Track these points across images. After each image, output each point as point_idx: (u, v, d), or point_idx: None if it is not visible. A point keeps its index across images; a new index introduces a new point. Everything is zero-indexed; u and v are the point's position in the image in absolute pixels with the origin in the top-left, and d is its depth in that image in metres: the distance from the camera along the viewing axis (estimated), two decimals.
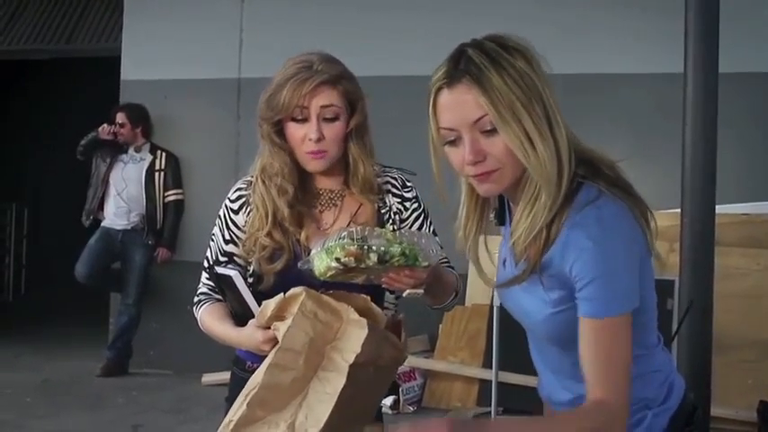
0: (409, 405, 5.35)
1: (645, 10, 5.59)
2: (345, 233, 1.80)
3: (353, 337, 1.79)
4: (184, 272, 6.10)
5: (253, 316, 1.94)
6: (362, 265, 1.79)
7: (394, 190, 2.17)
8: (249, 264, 2.10)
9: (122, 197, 6.38)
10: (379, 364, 1.85)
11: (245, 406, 1.79)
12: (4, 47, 7.77)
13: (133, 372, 6.38)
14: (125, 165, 6.46)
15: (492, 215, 1.72)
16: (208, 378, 5.99)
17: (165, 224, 6.46)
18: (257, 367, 2.08)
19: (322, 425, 1.74)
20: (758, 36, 5.52)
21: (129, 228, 6.38)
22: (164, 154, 6.48)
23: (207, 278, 2.16)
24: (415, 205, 2.18)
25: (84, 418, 5.28)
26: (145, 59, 6.75)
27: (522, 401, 5.10)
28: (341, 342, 1.80)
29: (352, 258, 1.77)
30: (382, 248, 1.78)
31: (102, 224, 6.45)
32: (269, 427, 1.77)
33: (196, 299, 2.16)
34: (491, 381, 4.46)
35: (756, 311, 4.93)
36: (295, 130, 2.05)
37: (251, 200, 2.11)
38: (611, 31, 5.73)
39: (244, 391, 1.83)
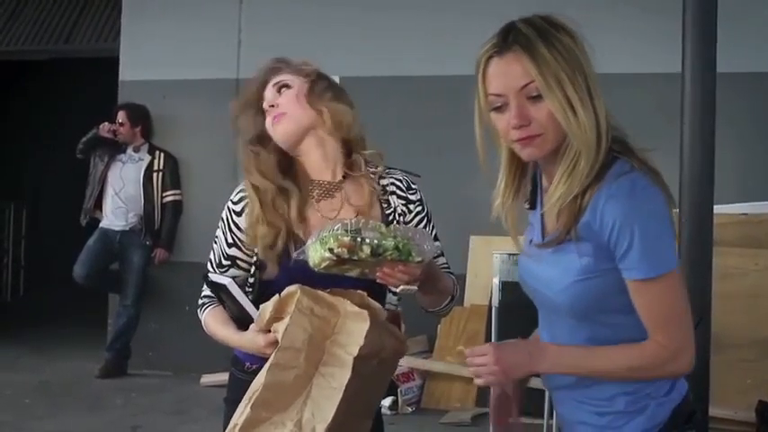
0: (408, 405, 5.35)
1: (644, 10, 5.59)
2: (339, 224, 1.80)
3: (355, 329, 1.80)
4: (183, 272, 6.11)
5: (252, 320, 1.95)
6: (355, 257, 1.79)
7: (399, 192, 2.17)
8: (251, 266, 2.10)
9: (120, 197, 6.37)
10: (382, 356, 1.86)
11: (248, 408, 1.79)
12: (3, 47, 7.76)
13: (132, 373, 6.37)
14: (123, 164, 6.45)
15: (527, 192, 1.79)
16: (207, 379, 5.98)
17: (162, 225, 6.45)
18: (256, 368, 2.08)
19: (329, 421, 1.75)
20: (757, 36, 5.52)
21: (127, 229, 6.36)
22: (162, 154, 6.48)
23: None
24: (419, 208, 2.18)
25: (84, 420, 5.27)
26: (143, 60, 6.74)
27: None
28: (341, 336, 1.81)
29: (344, 249, 1.77)
30: (375, 241, 1.78)
31: (101, 225, 6.45)
32: (275, 428, 1.78)
33: (200, 301, 2.17)
34: None
35: (755, 311, 4.92)
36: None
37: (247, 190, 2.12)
38: (610, 31, 5.71)
39: (247, 394, 1.84)
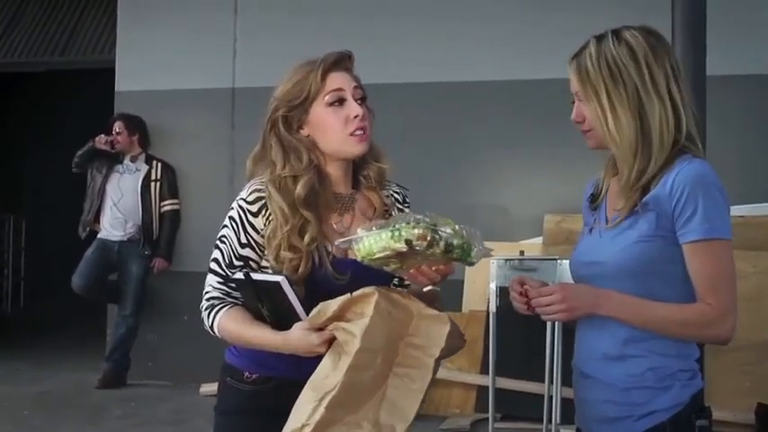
0: None
1: (636, 11, 5.60)
2: (420, 216, 1.80)
3: (435, 332, 1.85)
4: (182, 282, 6.10)
5: (298, 320, 1.89)
6: (429, 251, 1.78)
7: (397, 204, 2.19)
8: (262, 269, 2.04)
9: (118, 208, 6.38)
10: (445, 356, 1.90)
11: (322, 409, 1.78)
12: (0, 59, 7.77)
13: (131, 383, 6.36)
14: (121, 175, 6.46)
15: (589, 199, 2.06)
16: (206, 388, 5.97)
17: (161, 234, 6.45)
18: (257, 377, 2.06)
19: (411, 420, 1.80)
20: (752, 38, 5.53)
21: (125, 239, 6.37)
22: (159, 164, 6.48)
23: (219, 282, 2.04)
24: None
25: (83, 431, 5.27)
26: (139, 70, 6.75)
27: (520, 407, 5.11)
28: (417, 338, 1.85)
29: (423, 242, 1.76)
30: (449, 240, 1.79)
31: (99, 236, 6.45)
32: (349, 429, 1.79)
33: (207, 303, 2.05)
34: (488, 387, 4.46)
35: (754, 314, 4.91)
36: (331, 115, 2.05)
37: (269, 204, 2.03)
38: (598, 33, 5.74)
39: (315, 395, 1.81)
